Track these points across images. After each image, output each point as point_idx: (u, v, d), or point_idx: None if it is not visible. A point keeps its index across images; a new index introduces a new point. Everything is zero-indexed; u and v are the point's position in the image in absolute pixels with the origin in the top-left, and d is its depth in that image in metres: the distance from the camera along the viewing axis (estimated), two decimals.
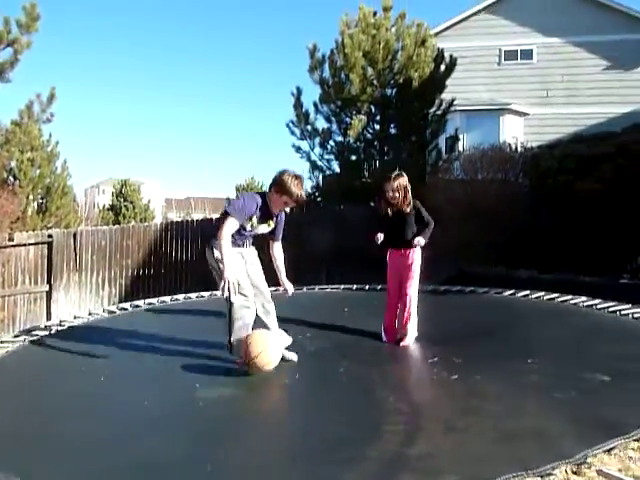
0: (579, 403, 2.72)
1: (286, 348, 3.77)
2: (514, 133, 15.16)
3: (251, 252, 3.82)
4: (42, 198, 15.35)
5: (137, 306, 6.14)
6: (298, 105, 12.02)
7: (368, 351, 4.09)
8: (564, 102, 15.01)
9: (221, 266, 3.42)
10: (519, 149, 9.69)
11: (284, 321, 4.05)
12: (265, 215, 3.66)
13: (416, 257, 4.43)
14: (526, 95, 15.35)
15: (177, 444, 2.50)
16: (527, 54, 15.61)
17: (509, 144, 9.99)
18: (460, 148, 13.15)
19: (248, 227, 3.61)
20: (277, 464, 2.26)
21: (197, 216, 27.58)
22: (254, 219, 3.61)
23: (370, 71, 11.56)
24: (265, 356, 3.35)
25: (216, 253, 3.53)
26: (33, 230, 11.78)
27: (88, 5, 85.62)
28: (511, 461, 2.07)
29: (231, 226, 3.46)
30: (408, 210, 4.35)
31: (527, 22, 15.35)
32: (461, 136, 15.01)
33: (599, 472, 1.99)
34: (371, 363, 3.74)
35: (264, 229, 3.75)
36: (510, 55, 15.75)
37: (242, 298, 3.53)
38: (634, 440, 2.23)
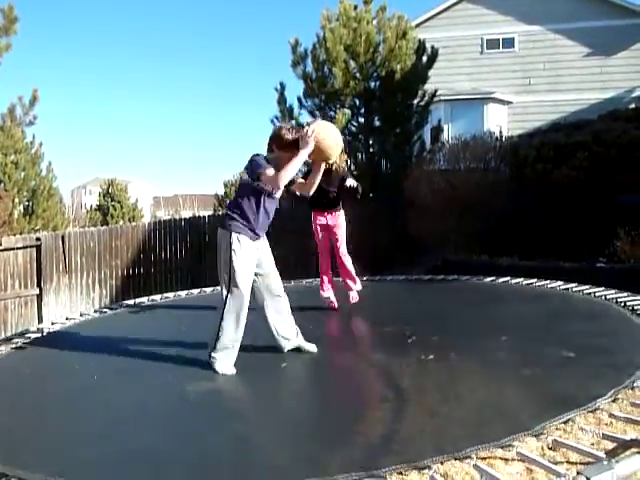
0: (542, 378, 2.88)
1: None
2: (498, 122, 15.32)
3: (265, 244, 3.63)
4: (28, 201, 15.31)
5: (128, 305, 6.24)
6: (282, 100, 12.07)
7: (349, 337, 4.22)
8: (546, 89, 15.18)
9: (234, 257, 3.32)
10: (500, 138, 9.83)
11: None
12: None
13: (341, 217, 4.93)
14: (509, 83, 15.51)
15: (166, 435, 2.62)
16: (509, 42, 15.75)
17: (490, 133, 10.14)
18: (445, 138, 13.29)
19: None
20: (264, 448, 2.38)
21: (186, 213, 27.62)
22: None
23: (353, 64, 11.63)
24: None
25: (234, 242, 3.34)
26: (20, 233, 11.79)
27: (70, 3, 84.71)
28: (472, 436, 2.21)
29: (273, 171, 3.27)
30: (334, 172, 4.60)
31: (508, 10, 15.48)
32: (446, 126, 15.18)
33: (554, 442, 2.13)
34: (351, 348, 3.86)
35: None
36: (492, 44, 15.88)
37: (242, 304, 3.39)
38: (589, 412, 2.38)
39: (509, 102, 15.54)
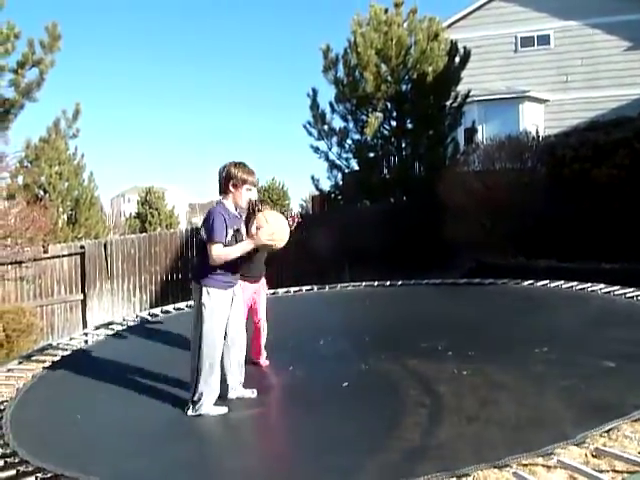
0: (582, 388, 2.83)
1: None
2: (534, 121, 15.00)
3: (239, 291, 3.59)
4: (71, 210, 15.91)
5: (167, 312, 6.42)
6: (314, 106, 12.18)
7: (388, 345, 4.22)
8: (584, 86, 14.77)
9: (205, 311, 3.32)
10: (537, 137, 9.64)
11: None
12: (230, 218, 3.41)
13: (264, 283, 4.44)
14: (545, 81, 15.16)
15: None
16: (544, 39, 15.40)
17: (526, 133, 9.94)
18: (480, 139, 13.11)
19: (234, 238, 3.39)
20: (301, 456, 2.43)
21: None
22: (230, 229, 3.38)
23: (384, 68, 11.64)
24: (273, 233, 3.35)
25: (204, 296, 3.34)
26: (65, 241, 12.28)
27: (105, 11, 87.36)
28: (511, 444, 2.20)
29: (217, 250, 3.27)
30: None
31: (543, 7, 15.15)
32: (480, 127, 14.95)
33: (596, 450, 2.11)
34: (392, 358, 3.86)
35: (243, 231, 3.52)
36: (527, 42, 15.56)
37: (215, 354, 3.36)
38: (633, 420, 2.33)
39: (545, 100, 15.20)
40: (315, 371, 3.71)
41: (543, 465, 2.07)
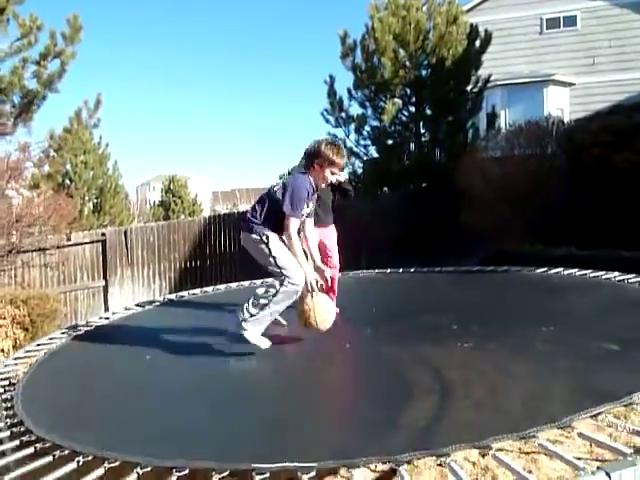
0: (579, 370, 2.80)
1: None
2: (559, 105, 14.64)
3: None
4: (97, 198, 16.32)
5: (182, 297, 6.56)
6: (332, 93, 12.13)
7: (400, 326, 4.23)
8: (612, 69, 14.32)
9: (270, 248, 3.35)
10: (557, 122, 9.42)
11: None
12: (311, 195, 3.49)
13: (333, 231, 4.72)
14: (571, 64, 14.76)
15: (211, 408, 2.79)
16: (570, 21, 14.96)
17: (547, 118, 9.72)
18: (502, 124, 12.87)
19: (304, 214, 3.49)
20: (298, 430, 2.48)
21: (243, 207, 28.33)
22: (306, 205, 3.47)
23: (402, 53, 11.50)
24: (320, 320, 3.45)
25: (266, 237, 3.36)
26: (90, 229, 12.60)
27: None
28: (499, 425, 2.21)
29: (296, 226, 3.37)
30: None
31: None
32: (503, 112, 14.67)
33: (579, 435, 2.10)
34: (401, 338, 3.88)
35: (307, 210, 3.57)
36: (552, 23, 15.15)
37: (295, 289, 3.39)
38: (622, 405, 2.31)
39: (571, 84, 14.80)
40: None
41: (520, 450, 2.08)
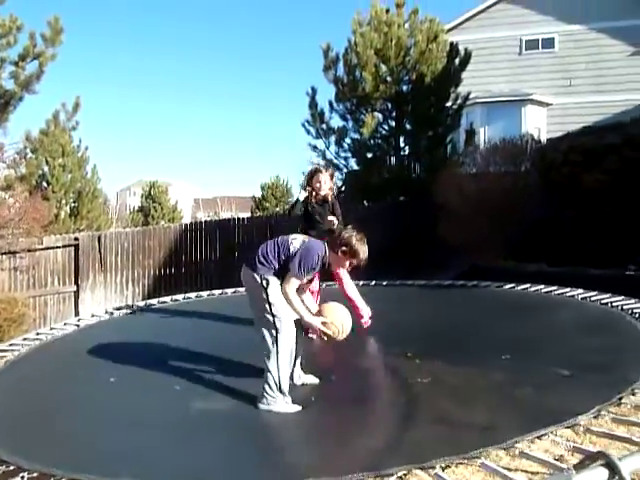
0: (531, 396, 2.85)
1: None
2: (537, 124, 14.94)
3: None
4: (74, 202, 16.07)
5: (151, 305, 6.49)
6: (313, 104, 12.22)
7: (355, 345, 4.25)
8: (588, 90, 14.68)
9: (268, 294, 3.25)
10: (532, 141, 9.60)
11: None
12: (319, 267, 3.42)
13: None
14: (548, 85, 15.09)
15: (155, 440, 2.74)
16: (548, 43, 15.34)
17: (521, 136, 9.91)
18: (481, 141, 13.08)
19: (306, 279, 3.41)
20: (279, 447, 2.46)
21: (225, 215, 28.23)
22: (312, 273, 3.43)
23: (384, 68, 11.64)
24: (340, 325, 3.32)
25: (264, 281, 3.29)
26: (66, 233, 12.40)
27: (114, 4, 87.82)
28: (442, 447, 2.23)
29: (295, 287, 3.27)
30: (330, 200, 4.74)
31: (548, 10, 15.08)
32: (482, 129, 14.92)
33: (521, 454, 2.13)
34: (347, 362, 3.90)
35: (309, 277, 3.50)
36: (531, 44, 15.51)
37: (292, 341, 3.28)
38: (566, 427, 2.35)
39: (548, 104, 15.13)
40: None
41: (466, 468, 2.10)
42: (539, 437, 2.25)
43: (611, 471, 1.84)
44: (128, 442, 2.65)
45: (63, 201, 15.66)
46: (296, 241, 3.38)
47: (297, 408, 3.18)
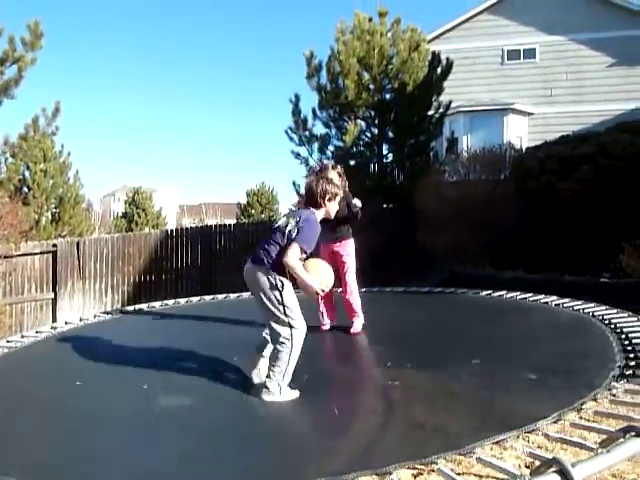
0: (495, 401, 2.86)
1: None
2: (518, 133, 15.14)
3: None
4: (55, 207, 15.91)
5: (125, 311, 6.43)
6: (296, 111, 12.24)
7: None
8: (569, 100, 14.92)
9: (283, 296, 3.27)
10: (511, 149, 9.72)
11: None
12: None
13: (351, 245, 4.72)
14: (530, 94, 15.31)
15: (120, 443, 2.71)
16: (530, 53, 15.57)
17: (500, 145, 10.03)
18: (464, 149, 13.20)
19: (307, 252, 3.39)
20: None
21: (210, 221, 28.11)
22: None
23: (366, 77, 11.72)
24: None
25: (277, 279, 3.29)
26: (48, 239, 12.26)
27: (92, 9, 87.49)
28: (401, 453, 2.23)
29: (297, 255, 3.25)
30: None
31: (529, 21, 15.32)
32: (465, 137, 15.08)
33: (478, 460, 2.13)
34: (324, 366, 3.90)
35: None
36: (513, 55, 15.73)
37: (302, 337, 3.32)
38: (526, 432, 2.36)
39: (530, 113, 15.34)
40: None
41: (421, 473, 2.09)
42: (498, 442, 2.26)
43: (564, 477, 1.86)
44: (87, 443, 2.61)
45: (44, 207, 15.50)
46: (290, 226, 3.35)
47: (296, 394, 3.28)
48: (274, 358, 3.31)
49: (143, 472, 2.36)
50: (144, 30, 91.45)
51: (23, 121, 10.40)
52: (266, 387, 3.26)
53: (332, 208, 3.50)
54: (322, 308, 4.79)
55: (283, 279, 3.30)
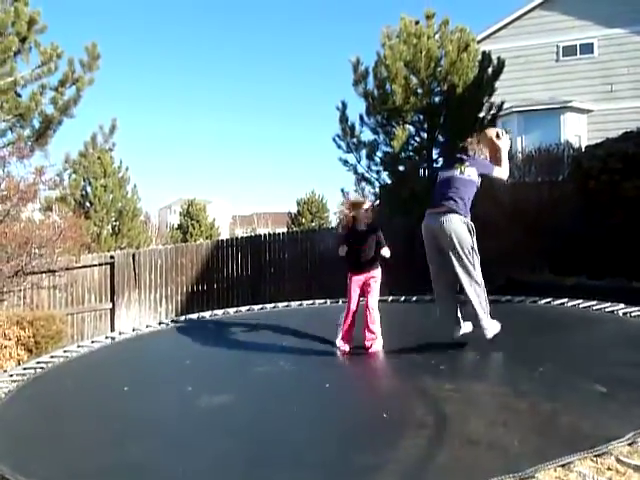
0: (561, 415, 2.64)
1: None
2: (577, 131, 14.46)
3: None
4: (115, 220, 16.61)
5: (176, 321, 6.53)
6: (344, 119, 12.17)
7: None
8: (631, 95, 14.12)
9: (474, 241, 3.81)
10: (569, 149, 9.25)
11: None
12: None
13: (377, 274, 4.68)
14: (588, 91, 14.60)
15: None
16: (587, 48, 14.87)
17: (558, 144, 9.56)
18: (519, 150, 12.72)
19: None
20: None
21: (262, 231, 28.52)
22: None
23: (414, 80, 11.51)
24: None
25: (469, 225, 3.87)
26: (108, 251, 12.75)
27: (152, 24, 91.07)
28: (457, 476, 2.07)
29: (494, 168, 4.29)
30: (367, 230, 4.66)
31: (585, 15, 14.64)
32: (519, 138, 14.55)
33: None
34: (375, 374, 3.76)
35: None
36: (569, 51, 15.08)
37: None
38: (595, 455, 2.14)
39: (589, 111, 14.62)
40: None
41: None
42: (563, 465, 2.06)
43: None
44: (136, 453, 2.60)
45: (105, 220, 16.21)
46: (461, 169, 4.03)
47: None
48: (472, 297, 3.77)
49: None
50: (196, 39, 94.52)
51: (82, 139, 10.92)
52: (478, 320, 3.73)
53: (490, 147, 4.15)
54: (341, 320, 4.67)
55: (472, 224, 3.76)
